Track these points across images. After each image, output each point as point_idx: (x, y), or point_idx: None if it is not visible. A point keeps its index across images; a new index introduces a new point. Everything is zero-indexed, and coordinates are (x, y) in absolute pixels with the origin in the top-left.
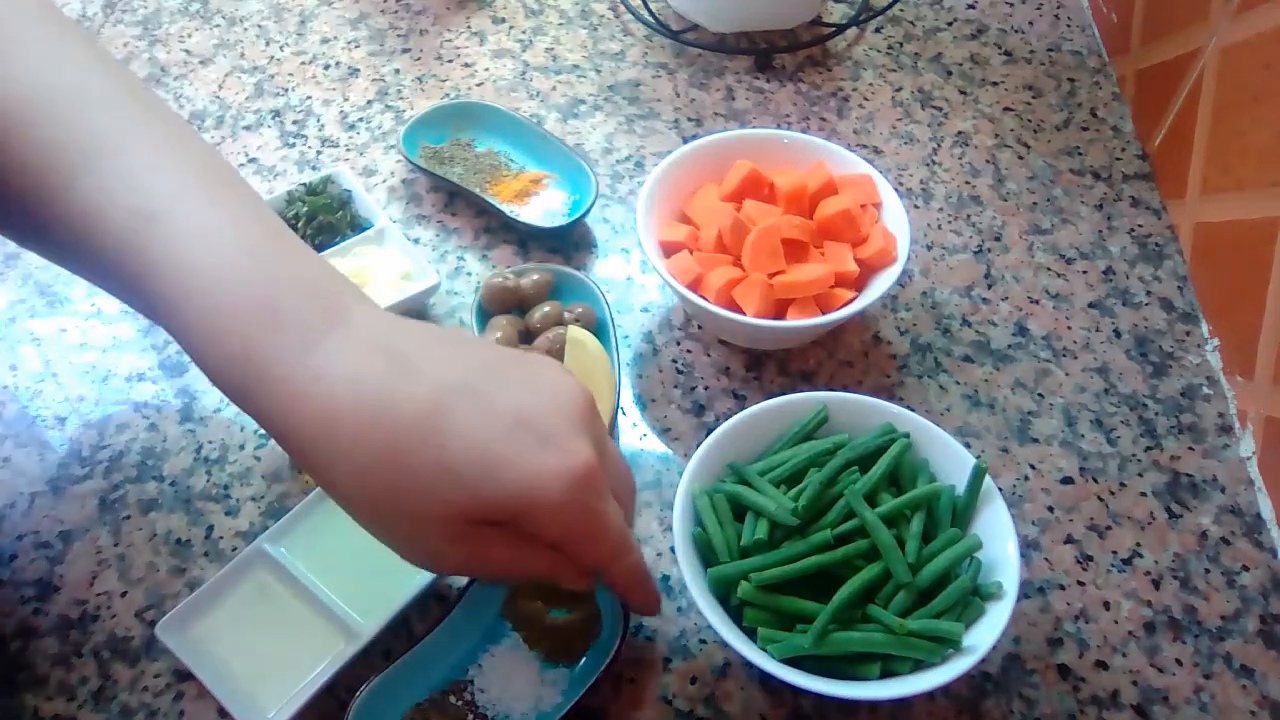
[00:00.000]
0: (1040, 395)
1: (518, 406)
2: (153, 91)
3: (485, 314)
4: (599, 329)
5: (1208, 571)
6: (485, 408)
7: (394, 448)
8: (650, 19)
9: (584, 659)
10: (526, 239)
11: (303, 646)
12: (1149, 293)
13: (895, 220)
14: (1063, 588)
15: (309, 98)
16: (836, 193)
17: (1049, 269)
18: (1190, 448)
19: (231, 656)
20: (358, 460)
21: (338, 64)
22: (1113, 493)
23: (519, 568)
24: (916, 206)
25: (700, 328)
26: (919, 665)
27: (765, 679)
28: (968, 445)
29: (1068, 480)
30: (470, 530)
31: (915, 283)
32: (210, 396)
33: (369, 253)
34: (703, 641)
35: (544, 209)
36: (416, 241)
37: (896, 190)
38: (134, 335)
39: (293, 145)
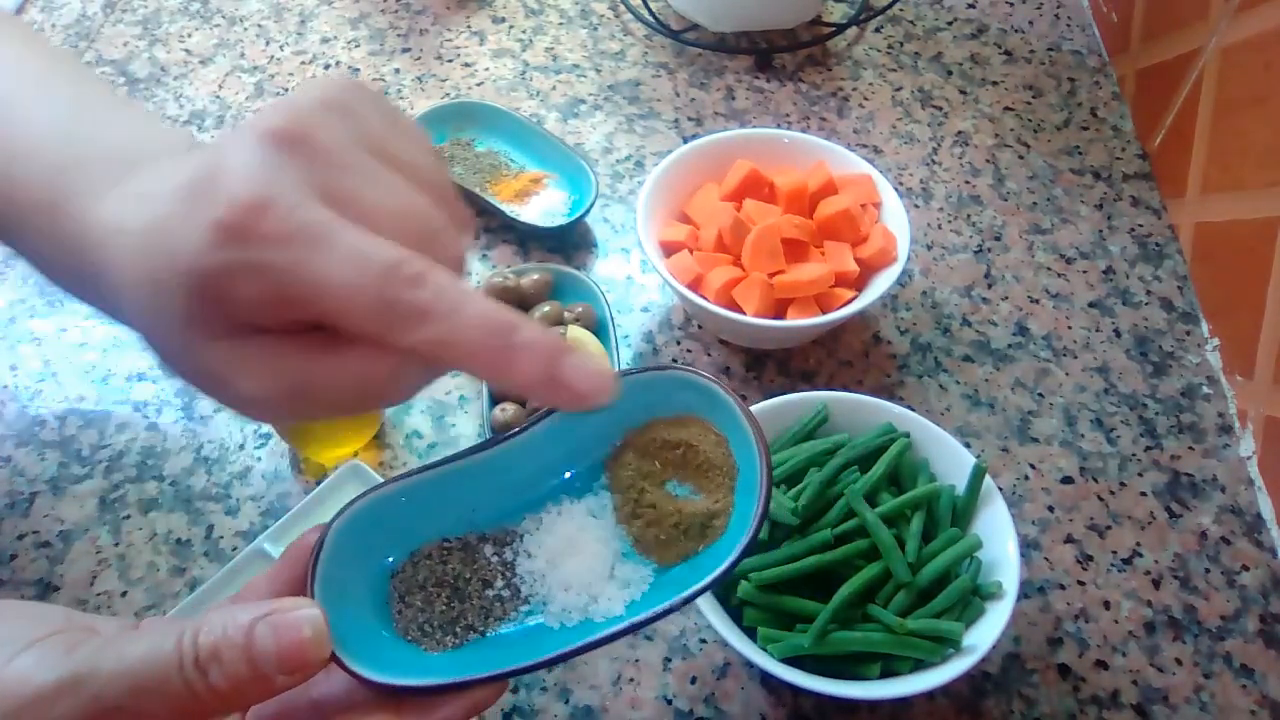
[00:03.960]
0: (1040, 395)
1: (189, 175)
2: None
3: None
4: (599, 329)
5: (1208, 571)
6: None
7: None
8: (650, 19)
9: (678, 567)
10: (526, 239)
11: None
12: (1149, 292)
13: (895, 220)
14: (1063, 587)
15: None
16: (836, 192)
17: (1049, 269)
18: (1190, 447)
19: None
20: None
21: (338, 64)
22: (1113, 492)
23: (306, 374)
24: (916, 206)
25: (700, 328)
26: (919, 665)
27: (765, 679)
28: (968, 445)
29: (1068, 480)
30: (239, 338)
31: (915, 282)
32: None
33: None
34: (703, 641)
35: (544, 209)
36: None
37: (896, 190)
38: (134, 335)
39: None
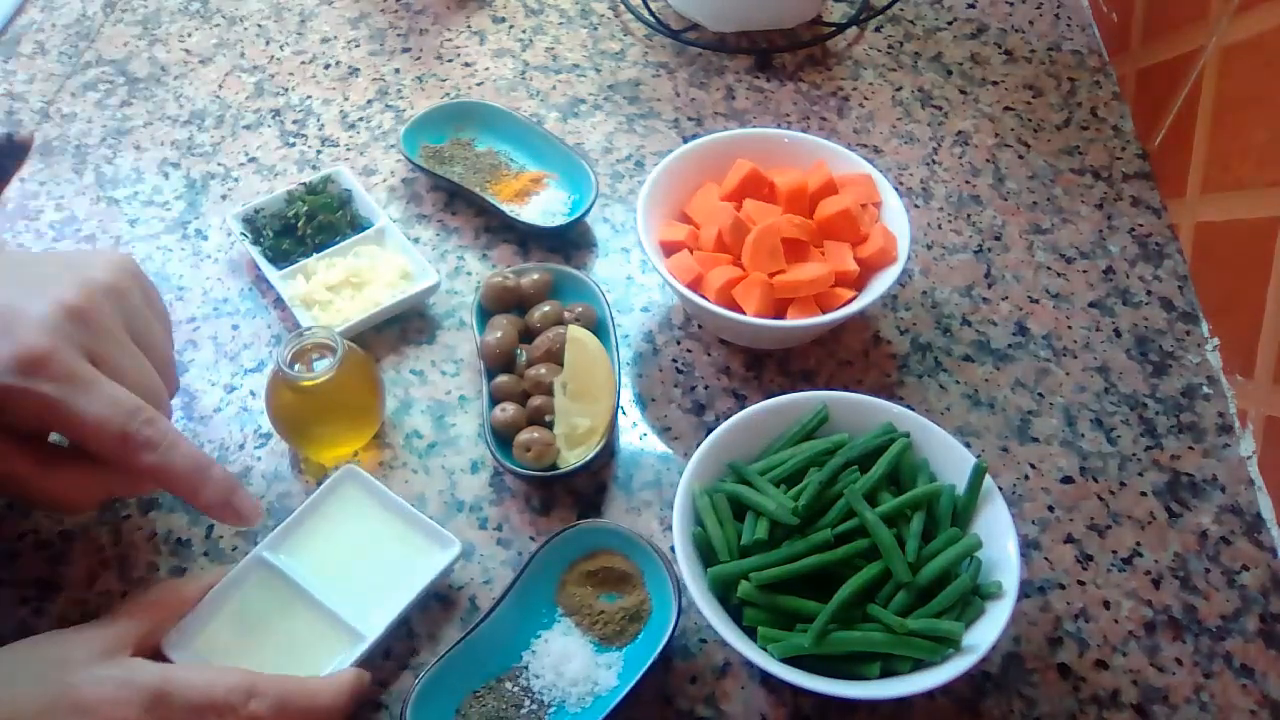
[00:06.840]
0: (1040, 395)
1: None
2: None
3: (485, 313)
4: (599, 328)
5: (1208, 571)
6: None
7: None
8: (650, 18)
9: (637, 641)
10: (526, 238)
11: (305, 652)
12: (1149, 292)
13: (895, 220)
14: (1063, 587)
15: (309, 97)
16: (836, 192)
17: (1049, 268)
18: (1190, 447)
19: (234, 662)
20: None
21: (338, 63)
22: (1113, 492)
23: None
24: (916, 206)
25: (700, 327)
26: (919, 665)
27: (765, 678)
28: (968, 445)
29: (1068, 480)
30: None
31: (915, 282)
32: (210, 396)
33: (369, 252)
34: (703, 641)
35: (544, 209)
36: (416, 241)
37: (896, 190)
38: None
39: (293, 145)
